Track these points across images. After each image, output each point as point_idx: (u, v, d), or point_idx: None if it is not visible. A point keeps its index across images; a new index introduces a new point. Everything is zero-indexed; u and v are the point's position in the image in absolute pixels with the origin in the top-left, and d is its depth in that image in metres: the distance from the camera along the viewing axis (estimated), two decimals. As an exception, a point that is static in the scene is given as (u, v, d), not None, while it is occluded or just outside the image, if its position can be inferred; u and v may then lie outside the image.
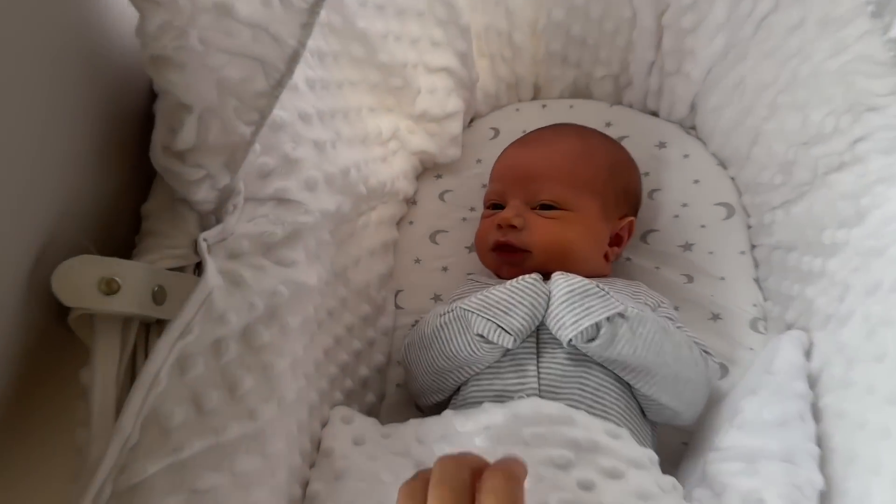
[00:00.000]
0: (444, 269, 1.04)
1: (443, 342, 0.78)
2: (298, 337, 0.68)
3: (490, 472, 0.46)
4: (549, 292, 0.76)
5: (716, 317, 0.94)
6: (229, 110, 0.58)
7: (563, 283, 0.75)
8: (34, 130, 0.52)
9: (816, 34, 0.82)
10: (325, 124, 0.78)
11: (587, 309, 0.72)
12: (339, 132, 0.81)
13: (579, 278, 0.75)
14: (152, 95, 0.59)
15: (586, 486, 0.61)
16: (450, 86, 1.04)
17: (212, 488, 0.55)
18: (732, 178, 1.04)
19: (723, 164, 1.06)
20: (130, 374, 0.55)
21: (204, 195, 0.60)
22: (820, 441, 0.71)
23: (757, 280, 0.96)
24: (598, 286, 0.74)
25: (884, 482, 0.61)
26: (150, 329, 0.57)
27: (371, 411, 0.89)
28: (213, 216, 0.63)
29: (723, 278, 0.97)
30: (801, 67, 0.84)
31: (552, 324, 0.75)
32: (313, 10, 0.57)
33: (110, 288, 0.53)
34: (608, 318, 0.72)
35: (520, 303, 0.73)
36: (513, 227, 0.86)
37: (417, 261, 1.04)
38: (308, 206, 0.71)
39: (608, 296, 0.73)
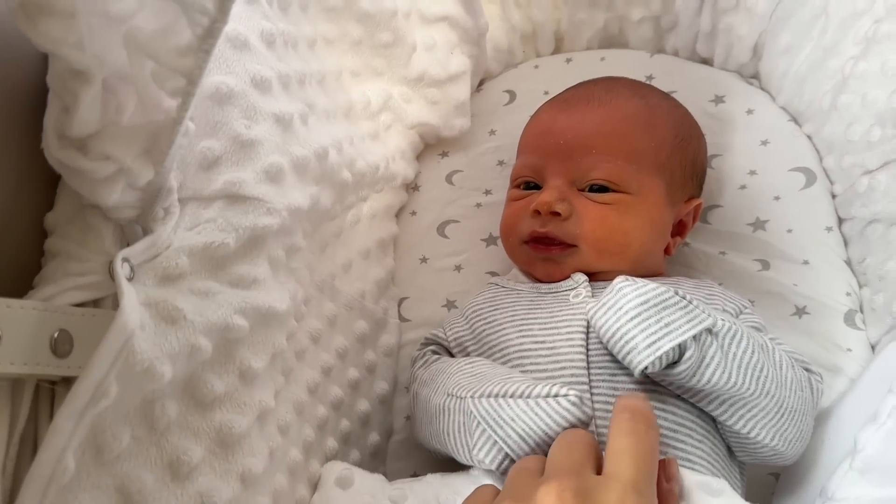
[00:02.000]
0: (458, 268, 0.97)
1: (442, 432, 0.67)
2: (267, 380, 0.60)
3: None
4: (597, 325, 0.65)
5: (801, 311, 0.86)
6: (145, 76, 0.49)
7: (630, 291, 0.63)
8: None
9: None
10: (291, 94, 0.68)
11: (666, 326, 0.62)
12: (311, 103, 0.71)
13: (651, 284, 0.64)
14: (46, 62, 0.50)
15: None
16: (452, 40, 0.98)
17: None
18: (809, 137, 0.96)
19: (796, 120, 0.98)
20: (30, 461, 0.45)
21: (120, 198, 0.51)
22: None
23: (849, 262, 0.89)
24: (677, 293, 0.63)
25: None
26: (57, 393, 0.49)
27: (376, 454, 0.82)
28: (137, 226, 0.54)
29: (806, 262, 0.89)
30: None
31: (619, 347, 0.64)
32: None
33: None
34: (695, 337, 0.61)
35: (544, 431, 0.59)
36: (556, 214, 0.76)
37: (424, 260, 0.98)
38: (271, 204, 0.61)
39: (692, 305, 0.63)
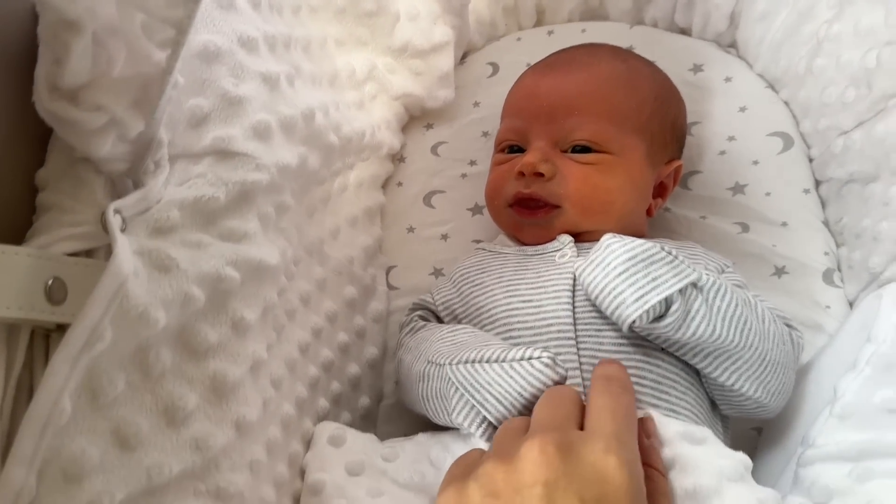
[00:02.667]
0: (444, 237, 0.98)
1: (420, 398, 0.67)
2: (259, 333, 0.59)
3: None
4: (586, 282, 0.67)
5: (780, 271, 0.88)
6: (135, 27, 0.49)
7: (618, 247, 0.64)
8: None
9: None
10: (277, 55, 0.67)
11: (654, 280, 0.62)
12: (297, 67, 0.71)
13: (639, 240, 0.64)
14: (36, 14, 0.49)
15: None
16: (435, 10, 0.97)
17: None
18: (786, 102, 0.97)
19: (773, 87, 0.98)
20: (26, 404, 0.45)
21: (111, 150, 0.51)
22: None
23: (826, 223, 0.90)
24: (663, 248, 0.64)
25: None
26: (51, 339, 0.48)
27: (367, 416, 0.83)
28: (128, 179, 0.54)
29: (785, 223, 0.90)
30: None
31: (608, 302, 0.64)
32: None
33: None
34: (681, 291, 0.62)
35: (519, 393, 0.59)
36: (539, 174, 0.76)
37: (411, 229, 0.99)
38: (260, 160, 0.61)
39: (678, 261, 0.64)
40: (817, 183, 0.91)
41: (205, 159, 0.57)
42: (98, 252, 0.50)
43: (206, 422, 0.51)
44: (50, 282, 0.46)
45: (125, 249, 0.47)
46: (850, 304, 0.83)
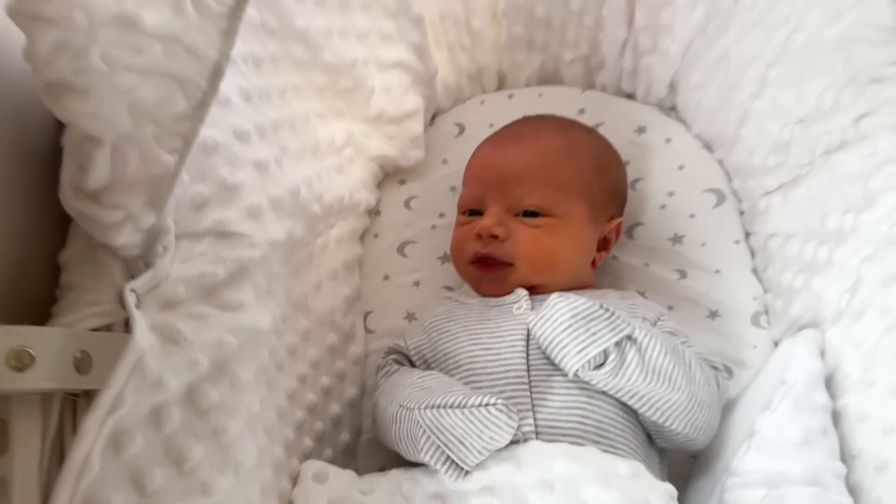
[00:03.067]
0: (416, 283, 1.02)
1: (394, 438, 0.73)
2: (253, 389, 0.64)
3: None
4: (537, 335, 0.73)
5: (714, 314, 0.93)
6: (147, 138, 0.54)
7: (563, 306, 0.71)
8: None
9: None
10: (267, 140, 0.73)
11: (593, 334, 0.70)
12: (284, 147, 0.77)
13: (581, 299, 0.71)
14: (61, 125, 0.55)
15: None
16: (406, 82, 1.03)
17: (161, 586, 0.51)
18: (720, 162, 1.04)
19: (708, 147, 1.05)
20: (58, 460, 0.51)
21: (127, 239, 0.56)
22: (841, 447, 0.71)
23: (755, 271, 0.96)
24: (602, 307, 0.71)
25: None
26: (78, 403, 0.53)
27: (347, 451, 0.87)
28: (140, 261, 0.59)
29: (718, 271, 0.96)
30: (792, 38, 0.82)
31: (555, 353, 0.71)
32: (234, 15, 0.52)
33: (22, 362, 0.49)
34: (616, 343, 0.69)
35: (479, 435, 0.66)
36: (494, 237, 0.83)
37: (386, 277, 1.03)
38: (253, 238, 0.67)
39: (614, 316, 0.71)
40: (747, 235, 0.97)
41: (205, 239, 0.62)
42: (116, 325, 0.55)
43: (211, 469, 0.56)
44: (78, 355, 0.50)
45: (142, 326, 0.53)
46: (775, 344, 0.88)
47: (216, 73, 0.52)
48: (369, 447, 0.89)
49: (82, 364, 0.51)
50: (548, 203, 0.84)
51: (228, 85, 0.67)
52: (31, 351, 0.48)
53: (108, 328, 0.55)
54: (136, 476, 0.52)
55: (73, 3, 0.48)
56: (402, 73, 1.01)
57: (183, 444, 0.55)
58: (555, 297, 0.72)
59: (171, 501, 0.53)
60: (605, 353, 0.69)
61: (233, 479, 0.58)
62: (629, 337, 0.70)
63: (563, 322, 0.70)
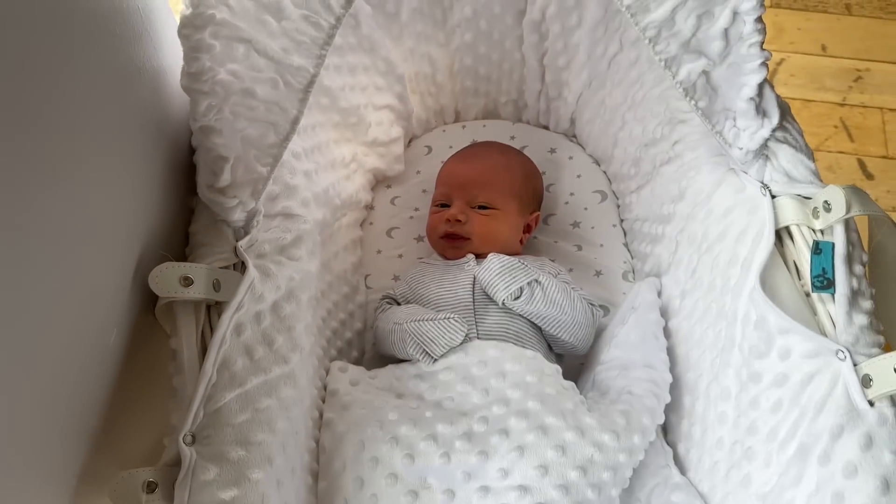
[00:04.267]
0: (400, 256, 1.13)
1: (390, 344, 0.88)
2: (307, 309, 0.80)
3: None
4: (479, 278, 0.90)
5: (598, 273, 1.09)
6: (251, 157, 0.73)
7: (496, 261, 0.91)
8: (134, 181, 0.69)
9: (646, 68, 1.01)
10: (308, 158, 0.91)
11: (514, 278, 0.89)
12: (318, 162, 0.94)
13: (508, 257, 0.91)
14: (190, 150, 0.75)
15: (516, 385, 0.81)
16: (392, 118, 1.15)
17: (266, 408, 0.68)
18: (604, 172, 1.20)
19: (597, 162, 1.21)
20: (202, 341, 0.69)
21: (237, 217, 0.75)
22: (669, 351, 0.89)
23: (625, 244, 1.12)
24: (520, 261, 0.90)
25: (705, 376, 0.80)
26: (211, 309, 0.70)
27: (357, 363, 0.98)
28: (242, 230, 0.76)
29: (602, 245, 1.12)
30: (638, 92, 1.02)
31: (490, 289, 0.90)
32: (307, 90, 0.74)
33: (187, 282, 0.67)
34: (528, 283, 0.89)
35: (443, 336, 0.83)
36: (458, 221, 0.98)
37: (379, 251, 1.14)
38: (305, 218, 0.84)
39: (527, 268, 0.91)
40: (621, 220, 1.14)
41: (277, 218, 0.80)
42: (231, 267, 0.73)
43: (287, 349, 0.72)
44: (214, 281, 0.68)
45: (251, 264, 0.73)
46: None
47: (295, 122, 0.73)
48: (371, 362, 1.00)
49: (217, 286, 0.68)
50: (493, 200, 1.00)
51: None
52: (191, 276, 0.67)
53: (227, 268, 0.72)
54: (248, 349, 0.69)
55: (216, 82, 0.69)
56: (389, 112, 1.14)
57: (272, 335, 0.72)
58: (491, 255, 0.93)
59: (267, 365, 0.69)
60: (521, 290, 0.89)
61: (298, 357, 0.74)
62: (537, 280, 0.91)
63: (495, 269, 0.91)
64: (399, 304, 0.99)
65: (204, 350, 0.66)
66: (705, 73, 0.71)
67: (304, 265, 0.82)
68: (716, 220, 0.82)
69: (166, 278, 0.66)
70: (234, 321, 0.69)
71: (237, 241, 0.75)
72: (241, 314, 0.70)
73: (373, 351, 1.03)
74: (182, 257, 0.74)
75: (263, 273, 0.76)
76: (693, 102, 0.73)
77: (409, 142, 1.26)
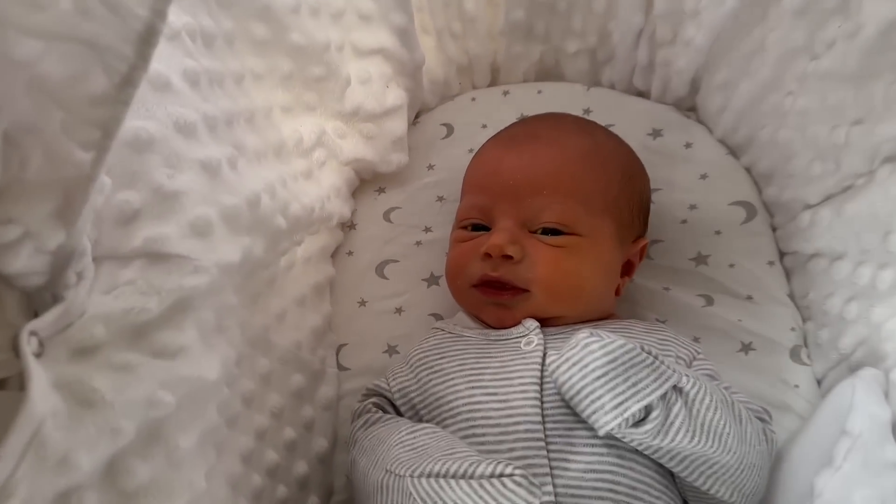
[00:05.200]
0: (398, 310, 0.98)
1: None
2: (197, 460, 0.57)
3: None
4: (560, 382, 0.66)
5: (747, 347, 0.89)
6: (53, 127, 0.47)
7: (597, 347, 0.64)
8: None
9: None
10: (218, 136, 0.67)
11: (634, 385, 0.63)
12: (241, 145, 0.70)
13: (618, 340, 0.64)
14: None
15: None
16: (387, 72, 0.99)
17: None
18: (748, 170, 1.00)
19: (734, 153, 1.02)
20: None
21: (26, 264, 0.48)
22: None
23: (792, 296, 0.92)
24: (643, 349, 0.64)
25: None
26: None
27: None
28: (46, 293, 0.51)
29: (750, 297, 0.92)
30: (846, 25, 0.76)
31: (584, 405, 0.64)
32: None
33: None
34: (661, 396, 0.62)
35: None
36: (508, 257, 0.77)
37: (362, 303, 0.99)
38: (198, 262, 0.60)
39: (658, 363, 0.64)
40: (782, 255, 0.94)
41: (135, 262, 0.55)
42: (11, 381, 0.47)
43: None
44: None
45: (41, 385, 0.44)
46: (819, 383, 0.84)
47: (147, 39, 0.44)
48: None
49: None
50: (571, 219, 0.79)
51: (168, 63, 0.60)
52: None
53: (2, 385, 0.47)
54: None
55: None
56: (383, 62, 0.98)
57: None
58: (584, 335, 0.65)
59: None
60: (647, 408, 0.62)
61: None
62: (677, 388, 0.64)
63: (597, 368, 0.63)
64: (398, 409, 0.78)
65: None
66: None
67: (193, 366, 0.58)
68: None
69: None
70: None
71: (29, 318, 0.50)
72: (11, 506, 0.44)
73: (347, 492, 0.86)
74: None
75: (81, 400, 0.49)
76: None
77: (417, 116, 1.13)
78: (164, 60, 0.59)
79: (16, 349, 0.47)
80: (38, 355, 0.46)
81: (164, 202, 0.58)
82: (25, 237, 0.46)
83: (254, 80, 0.78)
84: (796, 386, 0.84)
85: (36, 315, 0.50)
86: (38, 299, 0.50)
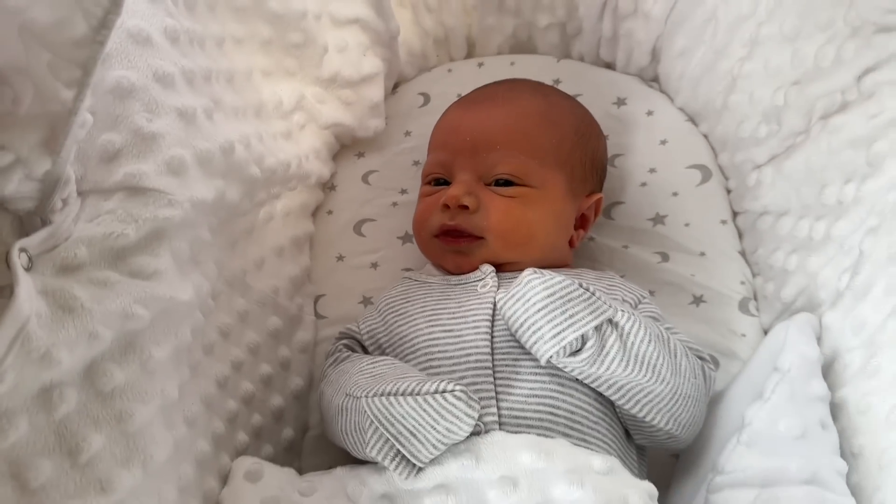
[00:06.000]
0: (374, 265, 1.00)
1: (340, 432, 0.69)
2: (170, 372, 0.60)
3: None
4: (506, 315, 0.69)
5: (698, 300, 0.92)
6: (41, 67, 0.50)
7: (538, 284, 0.67)
8: None
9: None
10: (196, 89, 0.69)
11: (571, 317, 0.66)
12: (218, 99, 0.73)
13: (557, 277, 0.68)
14: None
15: None
16: (364, 42, 1.00)
17: None
18: (705, 136, 1.03)
19: (693, 120, 1.05)
20: None
21: (17, 188, 0.52)
22: (840, 443, 0.70)
23: (743, 253, 0.95)
24: (581, 285, 0.67)
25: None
26: None
27: (290, 449, 0.84)
28: (36, 217, 0.55)
29: (703, 253, 0.95)
30: None
31: (527, 336, 0.68)
32: None
33: None
34: (596, 327, 0.66)
35: (435, 426, 0.61)
36: (464, 207, 0.80)
37: (340, 258, 1.01)
38: (173, 196, 0.63)
39: (594, 297, 0.67)
40: (734, 214, 0.97)
41: (115, 195, 0.59)
42: (4, 291, 0.50)
43: (112, 462, 0.51)
44: None
45: (27, 290, 0.48)
46: (765, 333, 0.87)
47: None
48: (316, 445, 0.86)
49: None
50: (523, 171, 0.81)
51: (150, 21, 0.63)
52: None
53: (-6, 295, 0.51)
54: (16, 468, 0.47)
55: None
56: (360, 32, 0.99)
57: (79, 432, 0.51)
58: (528, 273, 0.68)
59: (60, 500, 0.48)
60: (583, 338, 0.66)
61: (140, 474, 0.54)
62: (610, 321, 0.67)
63: (538, 302, 0.66)
64: (366, 350, 0.81)
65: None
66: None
67: (166, 287, 0.61)
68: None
69: None
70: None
71: (19, 238, 0.53)
72: (2, 393, 0.47)
73: (320, 428, 0.86)
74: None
75: (62, 306, 0.52)
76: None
77: (395, 87, 1.15)
78: (146, 18, 0.63)
79: (7, 263, 0.50)
80: (27, 269, 0.50)
81: (143, 142, 0.61)
82: (16, 163, 0.50)
83: (234, 44, 0.80)
84: (743, 335, 0.88)
85: (26, 235, 0.52)
86: (28, 224, 0.54)
